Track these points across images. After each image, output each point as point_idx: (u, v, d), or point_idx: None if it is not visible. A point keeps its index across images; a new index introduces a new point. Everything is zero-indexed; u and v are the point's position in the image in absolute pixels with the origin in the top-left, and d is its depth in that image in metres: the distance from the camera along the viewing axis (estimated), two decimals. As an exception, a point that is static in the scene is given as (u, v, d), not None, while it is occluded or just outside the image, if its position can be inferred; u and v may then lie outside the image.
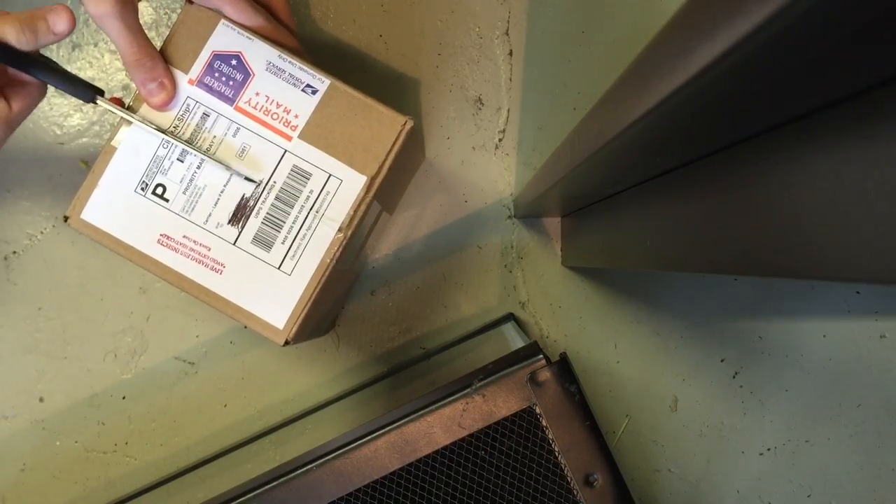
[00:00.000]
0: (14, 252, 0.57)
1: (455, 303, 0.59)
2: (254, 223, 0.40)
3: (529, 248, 0.59)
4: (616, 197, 0.44)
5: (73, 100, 0.56)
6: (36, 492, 0.57)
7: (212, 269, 0.40)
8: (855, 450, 0.55)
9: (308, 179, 0.41)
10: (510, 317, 0.58)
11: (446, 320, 0.59)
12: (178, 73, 0.40)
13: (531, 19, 0.58)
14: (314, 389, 0.59)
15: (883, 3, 0.14)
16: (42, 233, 0.57)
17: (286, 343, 0.40)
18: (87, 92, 0.39)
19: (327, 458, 0.44)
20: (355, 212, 0.41)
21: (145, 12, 0.57)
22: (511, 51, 0.58)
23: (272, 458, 0.58)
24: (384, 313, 0.59)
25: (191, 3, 0.41)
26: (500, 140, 0.59)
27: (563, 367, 0.44)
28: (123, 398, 0.58)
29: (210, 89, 0.40)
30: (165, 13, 0.57)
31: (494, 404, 0.44)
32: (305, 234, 0.40)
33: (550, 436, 0.43)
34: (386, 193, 0.46)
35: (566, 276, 0.59)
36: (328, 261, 0.41)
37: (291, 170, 0.41)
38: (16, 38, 0.35)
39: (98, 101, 0.39)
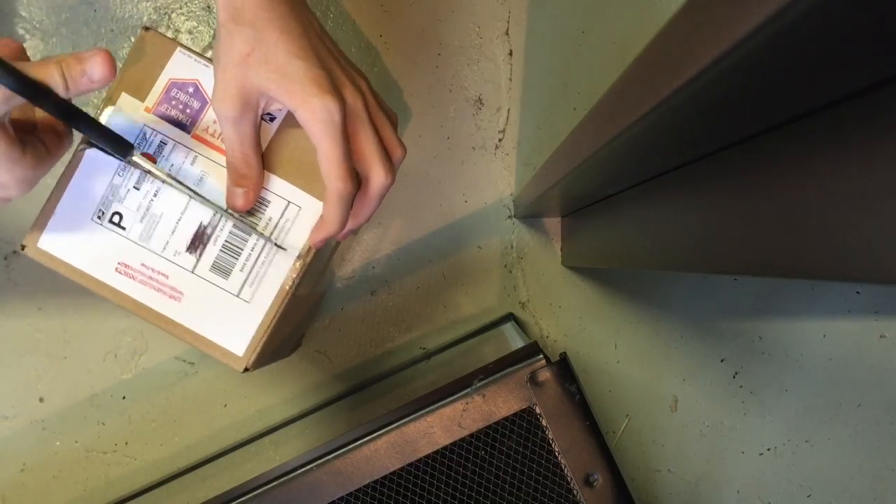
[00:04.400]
0: (14, 252, 0.57)
1: (455, 303, 0.59)
2: (212, 251, 0.40)
3: (529, 248, 0.59)
4: (616, 197, 0.44)
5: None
6: (36, 492, 0.57)
7: (170, 296, 0.40)
8: (855, 450, 0.55)
9: (267, 207, 0.40)
10: (510, 317, 0.58)
11: (446, 320, 0.59)
12: (135, 102, 0.40)
13: (531, 19, 0.58)
14: (314, 389, 0.59)
15: (883, 3, 0.14)
16: (42, 233, 0.57)
17: (246, 370, 0.40)
18: (124, 147, 0.37)
19: (327, 458, 0.44)
20: None
21: (145, 13, 0.57)
22: (511, 51, 0.58)
23: (272, 458, 0.58)
24: (384, 313, 0.59)
25: (147, 29, 0.40)
26: (500, 140, 0.59)
27: (563, 367, 0.44)
28: (123, 398, 0.58)
29: (167, 117, 0.40)
30: (165, 13, 0.57)
31: (494, 404, 0.44)
32: (264, 261, 0.40)
33: (550, 436, 0.43)
34: None
35: (566, 276, 0.59)
36: (287, 288, 0.40)
37: None
38: (62, 84, 0.33)
39: (134, 157, 0.38)
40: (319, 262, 0.45)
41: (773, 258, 0.24)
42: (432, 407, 0.44)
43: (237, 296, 0.41)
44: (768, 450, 0.56)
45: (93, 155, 0.40)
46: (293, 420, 0.58)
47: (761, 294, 0.57)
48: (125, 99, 0.40)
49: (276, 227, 0.40)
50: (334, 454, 0.44)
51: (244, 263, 0.40)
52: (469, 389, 0.44)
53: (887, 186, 0.18)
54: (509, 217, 0.59)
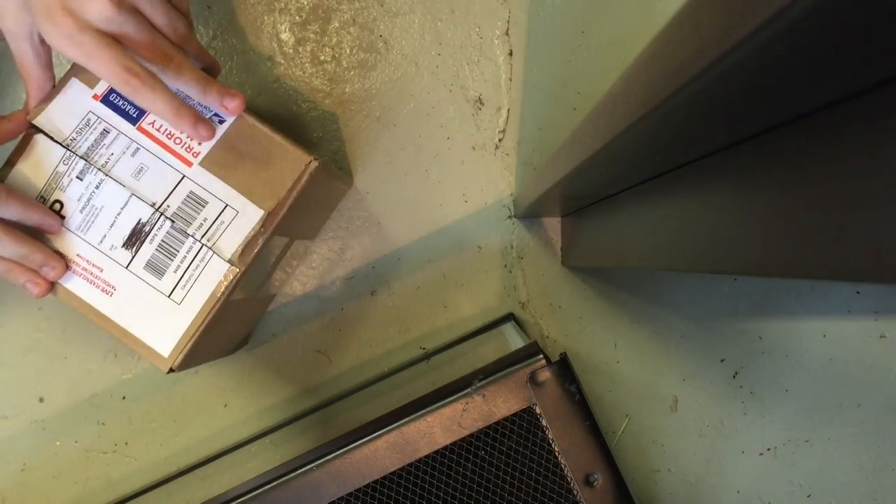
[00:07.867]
0: (14, 252, 0.57)
1: (455, 303, 0.59)
2: (148, 249, 0.40)
3: (529, 248, 0.59)
4: (616, 197, 0.44)
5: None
6: (36, 492, 0.57)
7: (102, 290, 0.41)
8: (855, 450, 0.55)
9: (203, 207, 0.40)
10: (510, 317, 0.58)
11: (446, 320, 0.59)
12: (84, 88, 0.40)
13: (531, 19, 0.58)
14: (314, 389, 0.59)
15: (884, 3, 0.14)
16: (42, 233, 0.57)
17: (171, 371, 0.41)
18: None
19: (327, 458, 0.44)
20: (248, 245, 0.41)
21: (145, 12, 0.57)
22: (511, 51, 0.58)
23: (272, 458, 0.58)
24: (384, 313, 0.59)
25: None
26: (500, 140, 0.59)
27: (563, 367, 0.44)
28: (123, 398, 0.58)
29: (115, 107, 0.40)
30: (165, 13, 0.57)
31: (494, 404, 0.44)
32: (198, 265, 0.40)
33: (550, 436, 0.43)
34: (295, 226, 0.46)
35: (566, 276, 0.59)
36: (219, 295, 0.40)
37: (188, 196, 0.41)
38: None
39: None
40: (260, 267, 0.44)
41: (773, 258, 0.24)
42: (432, 407, 0.45)
43: (168, 297, 0.41)
44: (768, 450, 0.56)
45: (40, 140, 0.40)
46: (293, 420, 0.58)
47: (761, 294, 0.57)
48: (75, 84, 0.40)
49: (210, 227, 0.40)
50: (334, 454, 0.44)
51: (178, 265, 0.40)
52: (469, 389, 0.44)
53: (888, 186, 0.18)
54: (509, 217, 0.59)
